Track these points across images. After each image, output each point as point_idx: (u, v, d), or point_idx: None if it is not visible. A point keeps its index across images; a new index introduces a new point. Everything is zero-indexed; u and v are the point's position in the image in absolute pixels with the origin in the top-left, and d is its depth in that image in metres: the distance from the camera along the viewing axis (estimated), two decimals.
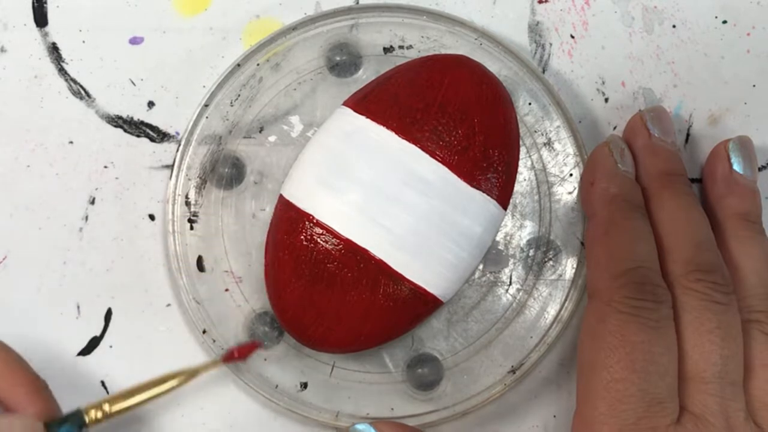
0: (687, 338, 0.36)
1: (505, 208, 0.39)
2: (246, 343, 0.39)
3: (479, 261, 0.40)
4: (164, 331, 0.42)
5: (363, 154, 0.38)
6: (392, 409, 0.41)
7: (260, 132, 0.42)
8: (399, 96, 0.39)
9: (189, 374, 0.37)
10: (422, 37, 0.43)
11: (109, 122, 0.43)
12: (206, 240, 0.42)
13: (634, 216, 0.38)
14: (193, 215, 0.42)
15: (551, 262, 0.42)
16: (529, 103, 0.42)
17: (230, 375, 0.40)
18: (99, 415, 0.36)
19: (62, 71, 0.43)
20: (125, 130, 0.43)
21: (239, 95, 0.42)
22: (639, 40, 0.44)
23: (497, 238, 0.42)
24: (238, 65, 0.42)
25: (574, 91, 0.43)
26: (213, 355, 0.41)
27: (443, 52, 0.42)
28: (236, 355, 0.39)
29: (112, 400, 0.36)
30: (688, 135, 0.43)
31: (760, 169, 0.43)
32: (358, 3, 0.43)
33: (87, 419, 0.35)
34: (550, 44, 0.44)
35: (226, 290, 0.41)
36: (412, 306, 0.38)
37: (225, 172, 0.42)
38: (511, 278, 0.41)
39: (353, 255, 0.38)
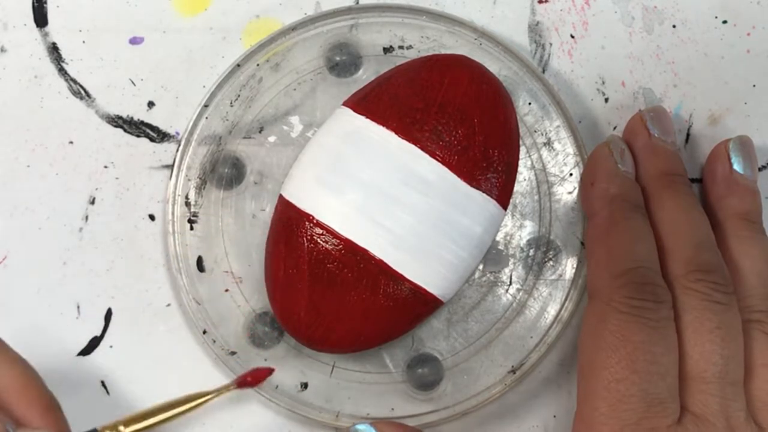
0: (687, 338, 0.36)
1: (505, 208, 0.39)
2: (259, 369, 0.38)
3: (479, 261, 0.40)
4: (164, 331, 0.42)
5: (363, 154, 0.38)
6: (392, 409, 0.41)
7: (260, 132, 0.42)
8: (399, 96, 0.39)
9: (203, 399, 0.36)
10: (422, 37, 0.43)
11: (109, 122, 0.43)
12: (206, 240, 0.42)
13: (634, 216, 0.38)
14: (193, 215, 0.42)
15: (551, 262, 0.42)
16: (529, 103, 0.42)
17: (230, 375, 0.40)
18: None
19: (62, 71, 0.43)
20: (125, 130, 0.43)
21: (239, 95, 0.42)
22: (639, 40, 0.44)
23: (497, 238, 0.42)
24: (238, 65, 0.42)
25: (574, 91, 0.43)
26: (213, 356, 0.41)
27: (443, 52, 0.42)
28: (249, 381, 0.38)
29: (128, 422, 0.35)
30: (688, 135, 0.43)
31: (760, 169, 0.43)
32: (358, 3, 0.43)
33: None
34: (550, 44, 0.44)
35: (226, 290, 0.41)
36: (412, 306, 0.38)
37: (225, 172, 0.42)
38: (511, 278, 0.41)
39: (353, 255, 0.38)
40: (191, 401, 0.36)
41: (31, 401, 0.34)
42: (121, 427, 0.35)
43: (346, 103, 0.40)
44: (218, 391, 0.37)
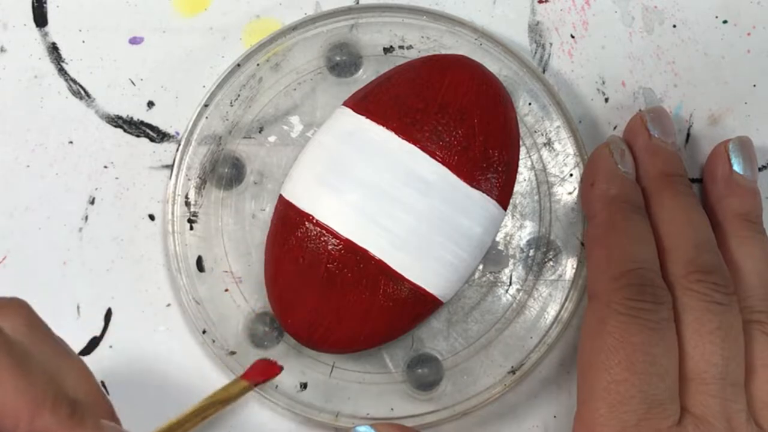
0: (688, 339, 0.36)
1: (505, 208, 0.39)
2: (264, 362, 0.38)
3: (479, 261, 0.40)
4: (164, 331, 0.42)
5: (363, 154, 0.38)
6: (392, 409, 0.41)
7: (260, 132, 0.42)
8: (399, 96, 0.39)
9: (225, 406, 0.35)
10: (422, 37, 0.43)
11: (109, 122, 0.43)
12: (206, 240, 0.42)
13: (634, 217, 0.38)
14: (193, 215, 0.42)
15: (551, 263, 0.42)
16: (529, 103, 0.42)
17: (230, 375, 0.40)
18: None
19: (62, 71, 0.43)
20: (125, 130, 0.43)
21: (239, 95, 0.42)
22: (639, 40, 0.44)
23: (497, 238, 0.42)
24: (238, 65, 0.42)
25: (574, 91, 0.43)
26: (213, 356, 0.41)
27: (443, 52, 0.42)
28: (262, 379, 0.37)
29: None
30: (688, 135, 0.43)
31: (760, 169, 0.43)
32: (358, 3, 0.43)
33: None
34: (550, 44, 0.44)
35: (226, 290, 0.41)
36: (412, 306, 0.38)
37: (225, 172, 0.42)
38: (511, 278, 0.41)
39: (353, 255, 0.38)
40: (213, 407, 0.35)
41: (105, 412, 0.33)
42: None
43: (346, 103, 0.40)
44: (239, 395, 0.36)
